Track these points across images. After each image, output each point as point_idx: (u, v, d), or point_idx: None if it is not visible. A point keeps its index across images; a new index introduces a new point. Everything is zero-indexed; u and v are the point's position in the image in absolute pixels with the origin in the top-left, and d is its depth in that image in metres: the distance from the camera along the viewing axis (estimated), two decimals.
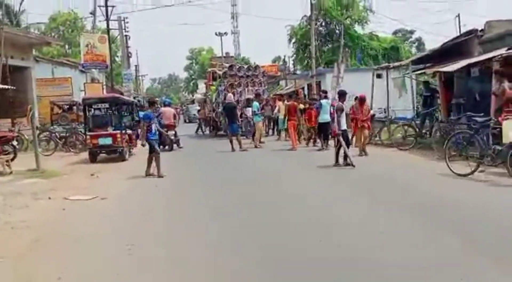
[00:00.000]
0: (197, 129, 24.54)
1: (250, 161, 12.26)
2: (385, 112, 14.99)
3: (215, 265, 4.30)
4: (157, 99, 15.73)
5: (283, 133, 17.44)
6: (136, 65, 52.57)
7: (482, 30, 12.64)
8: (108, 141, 12.53)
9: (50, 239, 5.41)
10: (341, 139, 9.92)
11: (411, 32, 46.34)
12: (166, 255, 4.58)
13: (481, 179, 7.80)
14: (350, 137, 11.38)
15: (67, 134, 15.47)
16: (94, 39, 28.48)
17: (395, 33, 41.54)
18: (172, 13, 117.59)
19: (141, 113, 20.04)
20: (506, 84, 9.41)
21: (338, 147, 10.07)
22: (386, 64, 17.80)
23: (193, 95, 62.19)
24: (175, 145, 15.51)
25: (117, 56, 44.33)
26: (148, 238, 5.26)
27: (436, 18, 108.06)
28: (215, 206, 6.85)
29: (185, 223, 5.87)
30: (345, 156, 9.92)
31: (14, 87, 15.85)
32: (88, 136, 12.89)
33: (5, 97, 16.25)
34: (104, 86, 29.28)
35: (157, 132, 10.46)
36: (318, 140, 14.10)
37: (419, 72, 14.93)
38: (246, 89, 19.93)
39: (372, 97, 14.77)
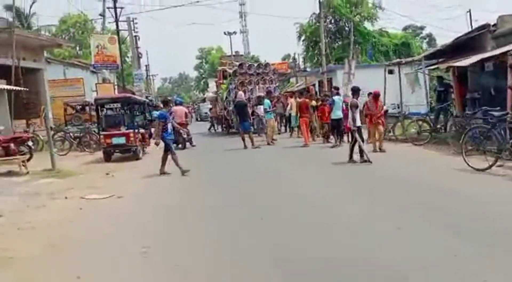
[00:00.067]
0: (210, 127, 24.92)
1: (262, 158, 12.23)
2: (398, 107, 14.87)
3: (227, 267, 4.24)
4: (169, 98, 15.79)
5: (295, 131, 17.42)
6: (146, 65, 52.81)
7: (494, 25, 12.48)
8: (121, 140, 12.61)
9: (67, 240, 5.39)
10: (357, 135, 9.85)
11: (421, 28, 45.96)
12: (181, 259, 4.48)
13: (499, 173, 7.70)
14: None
15: (81, 134, 15.61)
16: (104, 40, 28.69)
17: (405, 29, 41.18)
18: (180, 13, 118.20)
19: (155, 113, 20.15)
20: None
21: (353, 143, 10.00)
22: (398, 60, 17.62)
23: (203, 94, 62.33)
24: (187, 143, 15.59)
25: (127, 57, 44.60)
26: (164, 240, 5.18)
27: (446, 14, 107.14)
28: (228, 205, 6.80)
29: (199, 224, 5.80)
30: (361, 153, 9.86)
31: (27, 89, 16.02)
32: (101, 136, 12.98)
33: (19, 99, 16.43)
34: (116, 87, 29.49)
35: (173, 132, 10.49)
36: (331, 136, 14.04)
37: (432, 67, 14.78)
38: (257, 87, 19.91)
39: (384, 93, 14.65)
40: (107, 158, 12.77)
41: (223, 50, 60.65)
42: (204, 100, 50.43)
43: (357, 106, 10.20)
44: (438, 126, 13.06)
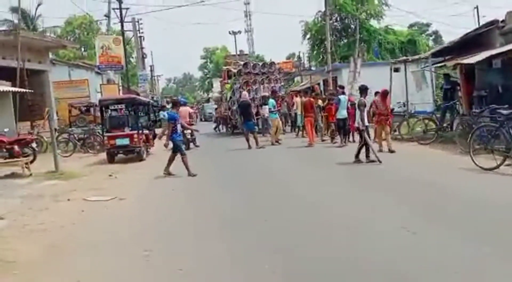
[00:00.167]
0: (215, 127, 25.01)
1: (266, 159, 12.13)
2: (404, 106, 14.69)
3: (229, 270, 4.19)
4: (175, 98, 15.77)
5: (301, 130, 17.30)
6: (151, 66, 52.89)
7: (503, 21, 12.27)
8: (125, 141, 12.58)
9: (68, 243, 5.36)
10: (366, 135, 9.72)
11: (428, 25, 45.54)
12: (183, 263, 4.39)
13: (508, 172, 7.55)
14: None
15: (85, 136, 15.61)
16: (109, 41, 28.73)
17: (411, 26, 40.84)
18: (185, 13, 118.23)
19: (162, 114, 20.14)
20: None
21: (363, 143, 9.80)
22: (404, 57, 17.45)
23: (208, 94, 62.42)
24: (191, 144, 15.52)
25: (132, 57, 44.68)
26: (166, 243, 5.10)
27: (453, 10, 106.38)
28: (230, 207, 6.73)
29: (202, 227, 5.73)
30: (367, 153, 9.72)
31: (32, 91, 16.02)
32: (105, 137, 12.96)
33: (24, 101, 16.44)
34: (120, 87, 29.52)
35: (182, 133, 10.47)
36: (337, 136, 13.89)
37: (439, 65, 14.59)
38: (262, 87, 19.78)
39: (390, 91, 14.49)
40: (111, 159, 12.74)
41: (228, 50, 60.61)
42: (208, 100, 50.44)
43: (365, 105, 10.06)
44: (444, 125, 12.89)
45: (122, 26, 31.66)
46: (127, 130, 12.88)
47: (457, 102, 13.24)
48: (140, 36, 39.65)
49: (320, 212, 6.03)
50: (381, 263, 4.00)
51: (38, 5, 37.35)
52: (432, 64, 14.30)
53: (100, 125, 14.56)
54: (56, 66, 22.93)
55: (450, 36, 45.64)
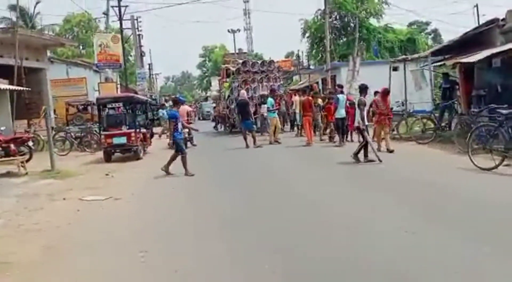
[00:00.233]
0: (215, 126, 25.17)
1: (264, 158, 12.09)
2: (402, 105, 14.64)
3: (227, 270, 4.15)
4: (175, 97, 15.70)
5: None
6: (149, 64, 52.73)
7: (503, 19, 12.20)
8: (122, 140, 12.51)
9: (63, 244, 5.29)
10: (366, 135, 9.65)
11: (427, 23, 45.48)
12: (180, 264, 4.33)
13: (506, 172, 7.51)
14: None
15: (82, 134, 15.53)
16: (107, 39, 28.67)
17: (410, 25, 40.77)
18: (184, 11, 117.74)
19: (161, 112, 20.00)
20: None
21: (364, 142, 9.71)
22: (403, 56, 17.38)
23: (206, 93, 62.33)
24: (188, 143, 15.43)
25: (131, 56, 44.54)
26: (162, 243, 5.04)
27: (452, 9, 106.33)
28: (227, 207, 6.67)
29: (199, 227, 5.67)
30: (366, 152, 9.67)
31: (29, 89, 15.94)
32: (102, 136, 12.88)
33: (21, 99, 16.37)
34: (118, 86, 29.43)
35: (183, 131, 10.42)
36: (336, 136, 13.83)
37: (438, 64, 14.53)
38: (261, 85, 19.67)
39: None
40: (108, 158, 12.66)
41: (227, 48, 60.53)
42: (206, 99, 50.30)
43: (365, 105, 10.00)
44: (443, 124, 12.84)
45: (121, 24, 31.53)
46: (124, 129, 12.82)
47: (456, 102, 13.20)
48: (139, 34, 39.48)
49: (320, 211, 5.98)
50: (381, 263, 3.98)
51: (37, 3, 37.23)
52: (432, 63, 14.24)
53: (97, 124, 14.49)
54: (54, 64, 22.88)
55: (449, 34, 45.63)
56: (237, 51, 49.79)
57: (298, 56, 42.95)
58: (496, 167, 7.64)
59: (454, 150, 10.15)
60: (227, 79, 21.73)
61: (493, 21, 12.36)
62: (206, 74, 70.85)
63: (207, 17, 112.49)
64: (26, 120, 16.46)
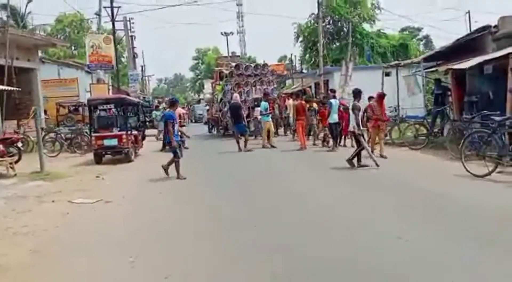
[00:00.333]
0: (209, 129, 25.08)
1: (258, 161, 12.02)
2: (395, 111, 14.66)
3: (223, 274, 4.10)
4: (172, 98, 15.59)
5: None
6: (142, 66, 52.52)
7: (495, 26, 12.28)
8: (113, 142, 12.37)
9: (51, 248, 5.17)
10: (362, 139, 9.62)
11: (419, 29, 45.86)
12: (171, 270, 4.21)
13: (500, 179, 7.52)
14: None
15: (73, 136, 15.35)
16: (99, 40, 28.39)
17: (402, 30, 41.04)
18: (177, 13, 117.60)
19: (155, 113, 19.84)
20: None
21: (361, 148, 9.66)
22: (396, 62, 17.45)
23: (199, 95, 62.17)
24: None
25: (123, 57, 44.28)
26: (153, 248, 4.93)
27: (444, 15, 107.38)
28: (223, 208, 6.63)
29: (190, 231, 5.58)
30: (360, 158, 9.63)
31: (20, 89, 15.73)
32: (93, 138, 12.72)
33: (11, 99, 16.16)
34: (110, 87, 29.20)
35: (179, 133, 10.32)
36: (330, 141, 13.78)
37: (431, 70, 14.59)
38: (254, 89, 19.59)
39: None
40: (98, 160, 12.51)
41: (220, 51, 60.46)
42: (199, 101, 50.17)
43: (359, 109, 9.95)
44: (435, 130, 12.87)
45: (113, 25, 31.29)
46: (115, 131, 12.68)
47: (448, 108, 13.24)
48: (132, 36, 39.30)
49: (320, 212, 5.93)
50: (381, 263, 3.99)
51: (28, 2, 36.81)
52: (424, 69, 14.29)
53: (88, 125, 14.33)
54: (45, 65, 22.64)
55: (441, 40, 46.02)
56: (230, 54, 49.74)
57: (291, 60, 43.01)
58: (490, 173, 7.65)
59: (447, 156, 10.17)
60: (220, 82, 21.65)
61: (485, 28, 12.42)
62: (199, 76, 70.76)
63: (201, 20, 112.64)
64: (15, 120, 16.24)
